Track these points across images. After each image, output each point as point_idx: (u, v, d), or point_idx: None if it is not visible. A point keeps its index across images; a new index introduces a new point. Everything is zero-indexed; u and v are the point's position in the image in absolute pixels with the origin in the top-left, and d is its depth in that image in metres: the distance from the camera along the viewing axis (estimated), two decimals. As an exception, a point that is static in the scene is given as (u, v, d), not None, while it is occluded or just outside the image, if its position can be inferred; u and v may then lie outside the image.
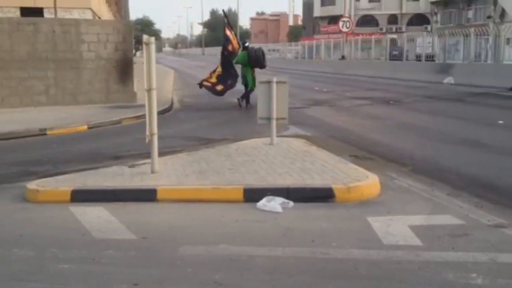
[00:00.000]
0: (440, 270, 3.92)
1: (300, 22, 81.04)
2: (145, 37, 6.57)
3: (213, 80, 15.98)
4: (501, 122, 11.22)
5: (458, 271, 3.88)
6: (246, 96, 15.53)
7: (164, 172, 6.77)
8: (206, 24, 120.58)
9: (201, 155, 7.98)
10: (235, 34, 16.77)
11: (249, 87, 15.52)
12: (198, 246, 4.56)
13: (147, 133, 6.70)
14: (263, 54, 15.79)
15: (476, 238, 4.58)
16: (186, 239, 4.75)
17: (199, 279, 3.88)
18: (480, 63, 23.29)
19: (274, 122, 8.51)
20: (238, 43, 16.25)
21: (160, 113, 12.70)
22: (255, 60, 15.43)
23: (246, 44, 16.31)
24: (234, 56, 15.80)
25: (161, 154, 7.14)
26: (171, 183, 6.28)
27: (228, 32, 15.81)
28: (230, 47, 15.82)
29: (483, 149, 8.60)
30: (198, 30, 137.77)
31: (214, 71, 16.14)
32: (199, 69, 48.04)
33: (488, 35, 23.70)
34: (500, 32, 21.75)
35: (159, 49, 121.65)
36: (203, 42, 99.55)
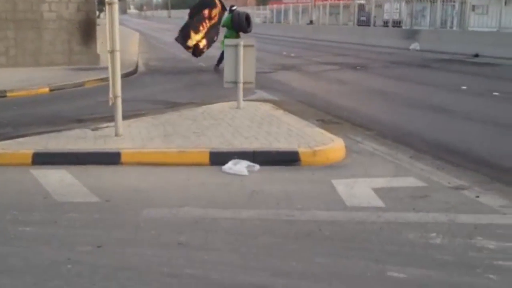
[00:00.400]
0: (401, 230, 4.00)
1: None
2: (107, -3, 6.36)
3: (199, 37, 15.69)
4: (464, 87, 11.40)
5: (419, 231, 3.96)
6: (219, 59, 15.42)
7: (128, 136, 6.66)
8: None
9: (167, 118, 7.88)
10: None
11: None
12: (162, 208, 4.54)
13: (110, 95, 6.56)
14: (248, 19, 15.62)
15: (437, 200, 4.68)
16: (150, 202, 4.71)
17: (163, 241, 3.87)
18: (446, 30, 23.52)
19: (241, 86, 8.43)
20: (222, 7, 15.97)
21: (124, 76, 12.46)
22: (237, 24, 15.29)
23: (233, 8, 16.07)
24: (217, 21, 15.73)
25: (125, 117, 7.01)
26: (135, 146, 6.20)
27: None
28: (206, 12, 15.53)
29: (446, 114, 8.75)
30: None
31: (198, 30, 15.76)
32: (165, 32, 47.16)
33: (454, 1, 23.87)
34: (466, -1, 21.93)
35: (123, 11, 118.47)
36: (169, 4, 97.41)
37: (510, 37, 18.31)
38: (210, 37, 15.92)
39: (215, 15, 15.68)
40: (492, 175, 5.35)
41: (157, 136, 6.67)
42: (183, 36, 15.87)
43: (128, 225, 4.19)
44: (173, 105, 9.54)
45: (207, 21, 15.70)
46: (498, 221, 4.17)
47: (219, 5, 15.80)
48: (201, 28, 15.69)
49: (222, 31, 15.90)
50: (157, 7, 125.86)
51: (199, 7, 15.97)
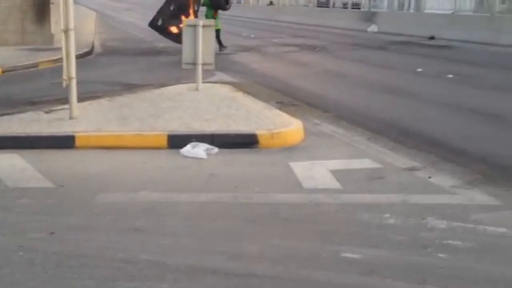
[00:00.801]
0: (356, 211, 4.08)
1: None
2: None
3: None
4: (420, 70, 11.61)
5: (373, 212, 4.05)
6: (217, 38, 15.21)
7: (83, 118, 6.52)
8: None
9: (123, 101, 7.75)
10: None
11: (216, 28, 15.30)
12: (118, 193, 4.48)
13: (64, 77, 6.39)
14: None
15: (391, 181, 4.78)
16: (105, 186, 4.65)
17: (118, 227, 3.83)
18: (402, 12, 23.82)
19: (200, 68, 8.35)
20: None
21: (80, 56, 12.17)
22: (215, 1, 15.22)
23: None
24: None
25: (80, 99, 6.85)
26: (91, 129, 6.08)
27: None
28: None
29: (402, 96, 8.90)
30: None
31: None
32: (123, 11, 46.23)
33: (411, -16, 24.18)
34: (423, -19, 22.22)
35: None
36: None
37: (465, 19, 18.70)
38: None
39: None
40: (444, 155, 5.50)
41: (113, 119, 6.55)
42: (171, 22, 15.08)
43: (82, 211, 4.12)
44: (130, 87, 9.38)
45: (193, 3, 15.28)
46: (449, 201, 4.29)
47: None
48: (190, 11, 15.21)
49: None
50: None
51: None
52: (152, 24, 15.51)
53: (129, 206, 4.21)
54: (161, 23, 15.20)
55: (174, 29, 15.03)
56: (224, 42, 15.34)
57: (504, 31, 16.31)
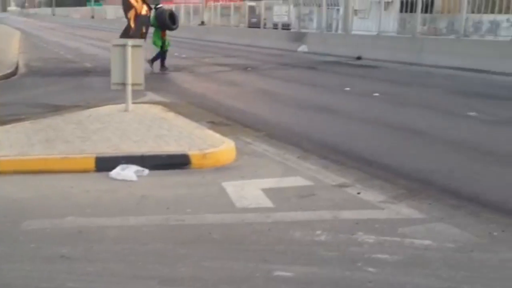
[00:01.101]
0: (289, 230, 4.10)
1: (158, -15, 78.90)
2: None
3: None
4: (348, 89, 11.97)
5: (305, 229, 4.09)
6: (161, 59, 15.43)
7: (5, 142, 6.24)
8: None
9: (49, 123, 7.48)
10: None
11: (164, 49, 15.48)
12: (43, 219, 4.30)
13: (-15, 99, 6.11)
14: (172, 16, 15.57)
15: (322, 198, 4.86)
16: (30, 213, 4.45)
17: (44, 254, 3.67)
18: (331, 33, 24.50)
19: (129, 88, 8.21)
20: (148, 6, 15.27)
21: (3, 77, 11.73)
22: (161, 22, 15.12)
23: (158, 6, 15.85)
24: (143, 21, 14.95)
25: (2, 122, 6.61)
26: (14, 154, 5.81)
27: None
28: (130, 14, 14.65)
29: (331, 114, 9.13)
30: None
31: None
32: (49, 30, 44.98)
33: (338, 5, 24.97)
34: (349, 3, 22.98)
35: (3, 9, 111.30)
36: (53, 1, 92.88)
37: (389, 40, 19.50)
38: (140, 23, 15.13)
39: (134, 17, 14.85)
40: (372, 172, 5.66)
41: (37, 142, 6.30)
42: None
43: (5, 239, 3.92)
44: (57, 109, 9.08)
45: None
46: (377, 216, 4.41)
47: (136, 5, 14.99)
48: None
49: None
50: (40, 4, 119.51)
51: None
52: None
53: (55, 233, 4.05)
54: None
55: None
56: (156, 62, 15.19)
57: (425, 51, 17.17)
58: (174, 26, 15.71)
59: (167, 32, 15.67)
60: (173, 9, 16.74)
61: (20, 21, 72.22)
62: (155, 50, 15.31)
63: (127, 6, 14.38)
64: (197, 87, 12.82)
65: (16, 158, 5.71)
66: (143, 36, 14.86)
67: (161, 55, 15.48)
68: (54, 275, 3.35)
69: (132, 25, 14.50)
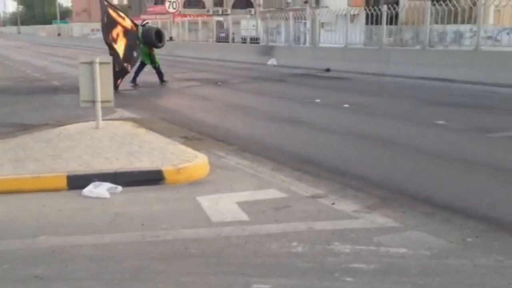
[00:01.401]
0: (265, 242, 4.11)
1: (125, 1, 78.55)
2: None
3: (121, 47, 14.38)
4: (318, 100, 12.10)
5: (281, 241, 4.11)
6: (158, 74, 15.94)
7: (-27, 163, 6.11)
8: (21, 0, 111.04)
9: (18, 142, 7.35)
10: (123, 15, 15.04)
11: (156, 64, 15.89)
12: (14, 240, 4.21)
13: (-49, 119, 5.97)
14: (158, 33, 15.78)
15: (297, 209, 4.89)
16: (1, 234, 4.34)
17: (17, 276, 3.58)
18: (299, 46, 24.79)
19: (99, 105, 8.14)
20: (133, 23, 15.09)
21: (-32, 97, 11.46)
22: (148, 39, 15.32)
23: (145, 23, 16.41)
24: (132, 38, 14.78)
25: (-31, 142, 6.43)
26: (-17, 174, 5.70)
27: (113, 15, 14.24)
28: (115, 33, 14.27)
29: (303, 126, 9.20)
30: (13, 7, 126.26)
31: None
32: (15, 49, 44.29)
33: (305, 19, 25.29)
34: (316, 16, 23.32)
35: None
36: (18, 20, 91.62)
37: (355, 52, 19.83)
38: (131, 55, 14.89)
39: (116, 36, 14.50)
40: (345, 182, 5.72)
41: (7, 162, 6.18)
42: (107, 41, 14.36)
43: (-25, 262, 3.82)
44: (25, 128, 8.93)
45: (113, 44, 14.44)
46: (352, 225, 4.45)
47: (122, 22, 14.74)
48: (115, 36, 14.27)
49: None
50: (5, 22, 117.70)
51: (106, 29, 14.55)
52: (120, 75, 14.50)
53: (28, 253, 3.96)
54: (118, 69, 14.06)
55: (128, 67, 14.70)
56: (126, 78, 15.07)
57: (392, 62, 17.51)
58: (160, 44, 15.87)
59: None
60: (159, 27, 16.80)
61: (-17, 40, 70.98)
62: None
63: (110, 23, 14.12)
64: (168, 102, 12.78)
65: (-16, 179, 5.58)
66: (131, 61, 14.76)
67: (140, 69, 15.68)
68: (28, 296, 3.28)
69: (119, 43, 14.24)
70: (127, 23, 14.76)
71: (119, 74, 13.82)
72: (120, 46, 14.36)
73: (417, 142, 7.63)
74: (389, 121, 9.43)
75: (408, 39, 20.21)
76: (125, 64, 14.53)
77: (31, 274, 3.59)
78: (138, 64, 15.55)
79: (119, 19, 14.48)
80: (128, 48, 14.60)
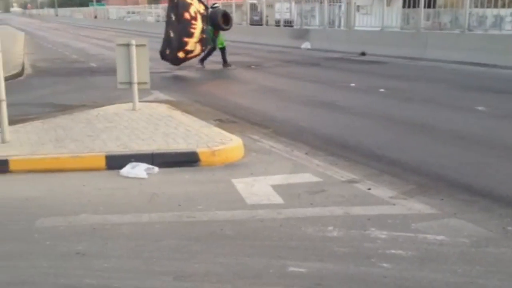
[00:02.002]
0: (300, 226, 4.12)
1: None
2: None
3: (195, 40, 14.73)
4: (353, 85, 11.98)
5: (316, 225, 4.11)
6: (222, 56, 16.01)
7: (16, 142, 6.28)
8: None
9: (58, 122, 7.53)
10: None
11: (221, 46, 16.00)
12: (57, 217, 4.33)
13: (-6, 99, 6.14)
14: (225, 16, 15.82)
15: (332, 194, 4.88)
16: (43, 211, 4.48)
17: (59, 251, 3.70)
18: (334, 29, 24.47)
19: (135, 87, 8.25)
20: (203, 5, 15.32)
21: (9, 78, 11.75)
22: (214, 22, 15.38)
23: (215, 6, 16.44)
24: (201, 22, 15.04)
25: (12, 122, 6.62)
26: (25, 153, 5.86)
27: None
28: (187, 15, 14.58)
29: (338, 110, 9.14)
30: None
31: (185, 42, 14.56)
32: (53, 31, 45.07)
33: (340, 2, 24.93)
34: (351, -1, 23.00)
35: (6, 9, 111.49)
36: (56, 2, 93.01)
37: (392, 36, 19.48)
38: (203, 39, 15.16)
39: (196, 15, 14.80)
40: (381, 167, 5.67)
41: (48, 141, 6.34)
42: (175, 48, 14.56)
43: (21, 237, 3.96)
44: (65, 108, 9.13)
45: (194, 22, 14.65)
46: (389, 211, 4.42)
47: (194, 3, 14.99)
48: (192, 30, 14.61)
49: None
50: (42, 5, 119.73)
51: (172, 12, 14.84)
52: (164, 57, 14.91)
53: (70, 230, 4.08)
54: (169, 52, 14.63)
55: (181, 54, 14.68)
56: (161, 61, 15.19)
57: (429, 46, 17.15)
58: (227, 27, 15.91)
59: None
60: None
61: (23, 22, 72.41)
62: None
63: (184, 4, 14.39)
64: (203, 85, 12.84)
65: (27, 157, 5.74)
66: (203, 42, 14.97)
67: (209, 53, 15.82)
68: (70, 271, 3.38)
69: (196, 27, 14.52)
70: (198, 5, 15.00)
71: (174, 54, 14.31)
72: (197, 27, 14.69)
73: (455, 128, 7.49)
74: (427, 106, 9.27)
75: (447, 23, 19.72)
76: (198, 45, 14.77)
77: (72, 250, 3.69)
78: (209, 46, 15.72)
79: (190, 5, 14.68)
80: (201, 30, 14.88)
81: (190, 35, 14.44)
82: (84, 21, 64.25)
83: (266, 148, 6.61)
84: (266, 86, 12.37)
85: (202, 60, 15.76)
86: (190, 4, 14.64)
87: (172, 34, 14.49)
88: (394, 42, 18.67)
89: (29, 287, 3.19)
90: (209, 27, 15.36)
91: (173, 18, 14.53)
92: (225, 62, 16.10)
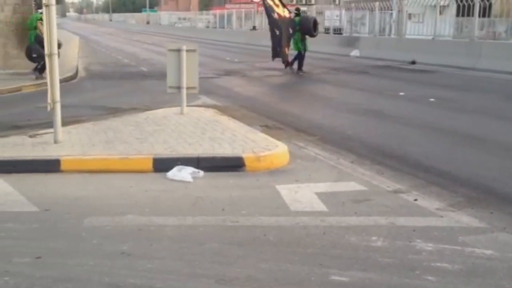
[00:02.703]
0: (344, 234, 4.08)
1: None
2: (45, -1, 6.20)
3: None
4: (402, 94, 11.78)
5: (360, 235, 4.06)
6: (299, 62, 16.58)
7: (68, 142, 6.49)
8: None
9: (108, 124, 7.73)
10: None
11: (304, 51, 16.67)
12: (104, 217, 4.44)
13: (49, 101, 6.37)
14: (315, 23, 16.79)
15: (377, 203, 4.80)
16: (91, 210, 4.60)
17: (105, 250, 3.79)
18: (384, 37, 24.18)
19: (184, 91, 8.39)
20: (287, 10, 16.46)
21: (64, 80, 12.17)
22: (306, 27, 16.30)
23: (299, 12, 17.35)
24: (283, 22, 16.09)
25: (64, 123, 6.84)
26: (76, 153, 6.04)
27: (269, 2, 15.95)
28: (276, 15, 15.87)
29: (385, 119, 9.00)
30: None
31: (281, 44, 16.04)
32: (106, 36, 46.34)
33: (391, 10, 24.62)
34: (403, 7, 22.67)
35: (62, 14, 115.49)
36: (110, 7, 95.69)
37: (444, 45, 19.06)
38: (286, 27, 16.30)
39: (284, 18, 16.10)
40: (429, 178, 5.55)
41: (98, 143, 6.52)
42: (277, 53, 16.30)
43: (68, 235, 4.07)
44: (115, 111, 9.37)
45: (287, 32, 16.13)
46: (435, 223, 4.32)
47: (279, 10, 16.09)
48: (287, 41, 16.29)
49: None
50: (97, 10, 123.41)
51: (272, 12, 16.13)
52: (277, 55, 16.33)
53: (116, 230, 4.17)
54: (280, 49, 16.08)
55: (287, 50, 16.23)
56: (209, 67, 15.42)
57: (483, 55, 16.68)
58: (316, 33, 16.87)
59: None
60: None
61: (79, 26, 74.84)
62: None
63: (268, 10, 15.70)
64: (249, 90, 12.91)
65: (78, 158, 5.92)
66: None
67: (299, 57, 16.55)
68: (115, 270, 3.45)
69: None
70: (282, 10, 16.07)
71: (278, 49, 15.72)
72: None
73: (508, 141, 7.25)
74: (478, 118, 9.02)
75: (502, 32, 19.17)
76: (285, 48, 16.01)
77: (118, 250, 3.78)
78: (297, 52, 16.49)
79: (274, 7, 15.93)
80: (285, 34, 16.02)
81: (287, 44, 16.15)
82: (136, 26, 65.85)
83: (311, 155, 6.58)
84: (314, 93, 12.33)
85: (291, 64, 16.49)
86: (276, 6, 16.02)
87: (277, 33, 15.92)
88: (446, 51, 18.26)
89: (75, 284, 3.28)
90: (297, 33, 16.23)
91: (276, 16, 15.85)
92: (301, 67, 16.63)
